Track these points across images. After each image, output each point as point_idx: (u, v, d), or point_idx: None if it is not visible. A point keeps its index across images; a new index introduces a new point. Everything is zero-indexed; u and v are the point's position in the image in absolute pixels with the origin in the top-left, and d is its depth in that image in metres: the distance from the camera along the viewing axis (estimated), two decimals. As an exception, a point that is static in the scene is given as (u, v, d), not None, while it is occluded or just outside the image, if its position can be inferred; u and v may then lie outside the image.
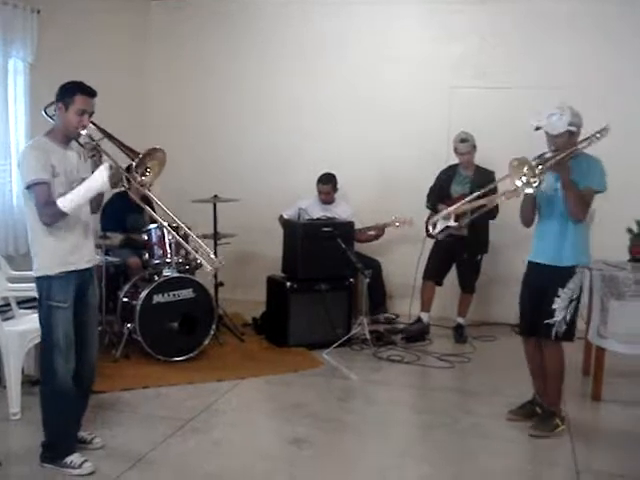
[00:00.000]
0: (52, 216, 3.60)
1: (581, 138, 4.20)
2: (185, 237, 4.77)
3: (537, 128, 4.19)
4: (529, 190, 4.02)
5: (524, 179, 3.98)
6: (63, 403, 3.76)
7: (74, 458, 3.73)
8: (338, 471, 3.93)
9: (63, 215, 3.59)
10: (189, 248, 4.27)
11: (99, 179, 3.57)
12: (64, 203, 3.57)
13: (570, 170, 4.08)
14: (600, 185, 4.18)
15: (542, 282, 4.32)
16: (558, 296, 4.22)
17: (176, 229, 4.86)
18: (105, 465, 3.76)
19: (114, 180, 3.61)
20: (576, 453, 4.11)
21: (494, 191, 5.94)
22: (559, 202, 4.18)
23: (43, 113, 3.95)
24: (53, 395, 3.75)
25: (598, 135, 4.14)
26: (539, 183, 3.98)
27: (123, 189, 3.82)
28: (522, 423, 4.45)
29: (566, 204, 4.14)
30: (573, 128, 4.14)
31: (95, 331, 4.00)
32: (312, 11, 7.56)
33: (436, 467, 3.97)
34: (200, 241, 4.06)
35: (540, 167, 3.97)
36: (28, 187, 3.57)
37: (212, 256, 3.97)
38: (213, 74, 7.93)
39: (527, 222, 4.45)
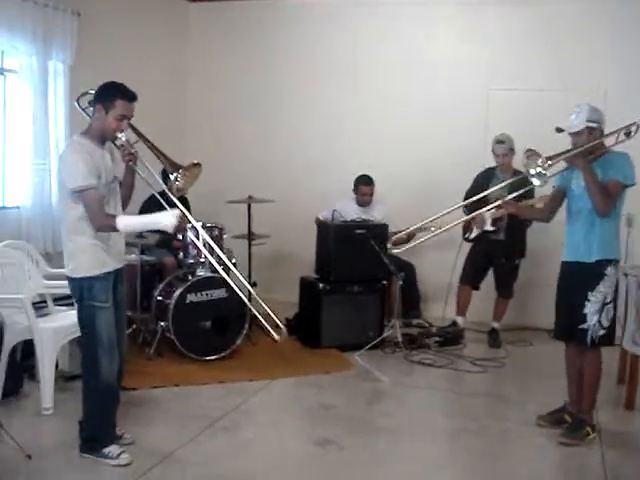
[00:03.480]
0: (105, 226, 3.64)
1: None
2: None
3: (559, 130, 4.23)
4: (536, 181, 4.08)
5: (537, 169, 4.05)
6: (107, 399, 3.84)
7: (112, 449, 3.81)
8: (366, 474, 3.91)
9: (114, 230, 3.64)
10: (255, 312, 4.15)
11: (167, 224, 3.56)
12: (123, 223, 3.61)
13: (602, 164, 4.12)
14: (627, 178, 4.13)
15: (572, 282, 4.29)
16: (588, 300, 4.17)
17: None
18: (134, 460, 3.80)
19: (179, 229, 3.66)
20: (606, 462, 4.04)
21: (531, 194, 5.91)
22: (586, 199, 4.14)
23: (75, 104, 3.97)
24: (97, 392, 3.80)
25: (626, 131, 4.15)
26: (546, 176, 4.05)
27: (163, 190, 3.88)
28: (552, 430, 4.39)
29: (589, 197, 4.12)
30: (592, 124, 4.14)
31: (124, 328, 4.08)
32: (348, 13, 7.56)
33: (465, 472, 3.95)
34: (267, 307, 3.99)
35: (549, 160, 4.01)
36: (80, 192, 3.57)
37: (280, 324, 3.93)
38: (250, 75, 7.97)
39: (546, 217, 4.55)
